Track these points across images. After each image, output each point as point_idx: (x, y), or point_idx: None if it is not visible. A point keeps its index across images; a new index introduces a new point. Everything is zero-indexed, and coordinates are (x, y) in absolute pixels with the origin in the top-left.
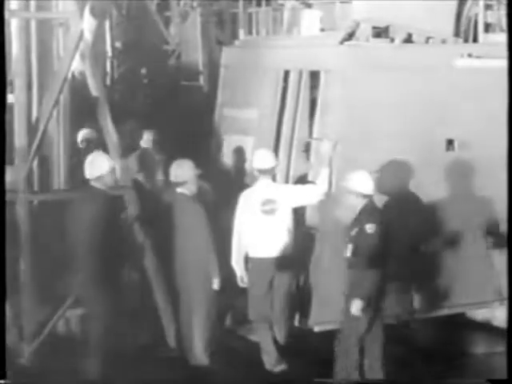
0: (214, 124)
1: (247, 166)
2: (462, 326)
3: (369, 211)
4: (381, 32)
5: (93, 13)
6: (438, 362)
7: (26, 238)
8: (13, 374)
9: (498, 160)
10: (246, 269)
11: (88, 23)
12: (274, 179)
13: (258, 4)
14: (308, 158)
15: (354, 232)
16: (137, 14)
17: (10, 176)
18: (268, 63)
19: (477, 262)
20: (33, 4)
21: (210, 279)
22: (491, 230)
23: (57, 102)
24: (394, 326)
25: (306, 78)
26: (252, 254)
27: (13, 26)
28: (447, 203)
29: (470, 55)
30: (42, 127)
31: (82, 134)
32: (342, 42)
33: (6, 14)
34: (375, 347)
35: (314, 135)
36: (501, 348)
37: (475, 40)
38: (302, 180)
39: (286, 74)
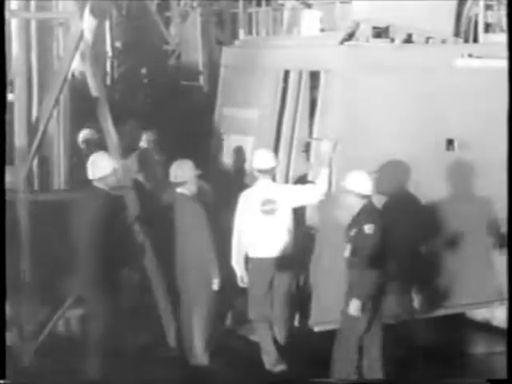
0: (213, 124)
1: (247, 166)
2: (461, 325)
3: (368, 212)
4: (381, 32)
5: (93, 13)
6: (438, 362)
7: (26, 238)
8: (13, 374)
9: (498, 160)
10: (246, 269)
11: (88, 23)
12: (273, 179)
13: (258, 4)
14: (308, 158)
15: (352, 232)
16: (137, 14)
17: (9, 176)
18: (268, 63)
19: (477, 262)
20: (33, 4)
21: (210, 279)
22: (491, 231)
23: (57, 102)
24: (394, 326)
25: (305, 78)
26: (252, 254)
27: (13, 26)
28: (447, 203)
29: (470, 55)
30: (42, 127)
31: (83, 135)
32: (342, 43)
33: (6, 14)
34: (374, 347)
35: (314, 135)
36: (501, 348)
37: (475, 40)
38: (302, 180)
39: (286, 74)
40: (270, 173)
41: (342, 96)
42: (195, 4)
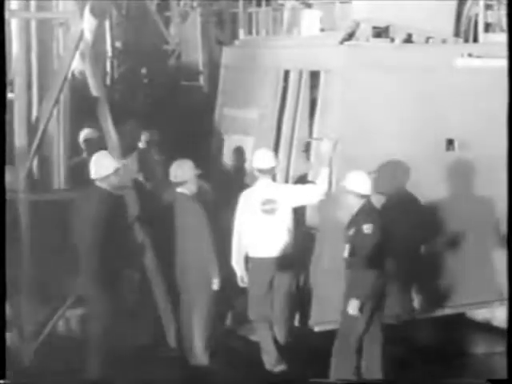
0: (213, 124)
1: (247, 165)
2: (462, 326)
3: (366, 211)
4: (381, 32)
5: (93, 13)
6: (437, 362)
7: (26, 238)
8: (13, 374)
9: (498, 160)
10: (246, 268)
11: (88, 23)
12: (274, 179)
13: (258, 4)
14: (308, 157)
15: (351, 232)
16: (137, 13)
17: (9, 176)
18: (268, 63)
19: (477, 262)
20: (33, 4)
21: (210, 279)
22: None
23: (57, 102)
24: (394, 326)
25: (306, 77)
26: (252, 254)
27: (13, 26)
28: (447, 203)
29: (470, 55)
30: (42, 127)
31: (84, 134)
32: (342, 42)
33: (6, 14)
34: (374, 348)
35: (314, 135)
36: (501, 348)
37: (475, 40)
38: (302, 180)
39: (286, 73)
40: (271, 172)
41: (342, 96)
42: (195, 4)
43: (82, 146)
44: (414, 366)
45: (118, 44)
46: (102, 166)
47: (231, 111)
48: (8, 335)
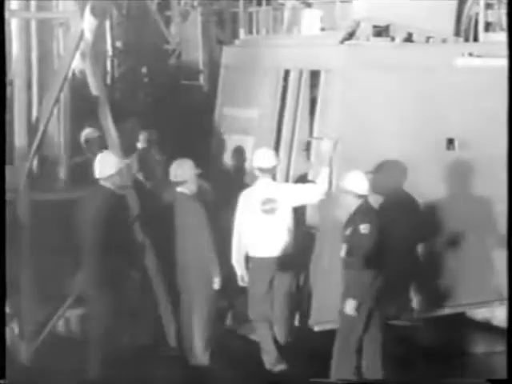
0: (214, 123)
1: (247, 165)
2: (462, 325)
3: (363, 211)
4: (381, 31)
5: (93, 12)
6: (438, 362)
7: (26, 238)
8: (13, 374)
9: (498, 159)
10: (247, 268)
11: (88, 23)
12: (274, 178)
13: (259, 3)
14: (308, 157)
15: (348, 232)
16: (137, 13)
17: (9, 176)
18: (268, 62)
19: (477, 262)
20: (33, 4)
21: (210, 279)
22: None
23: (57, 101)
24: (394, 326)
25: (306, 77)
26: (252, 254)
27: (13, 26)
28: (447, 202)
29: (470, 54)
30: (42, 127)
31: (85, 134)
32: (342, 42)
33: (6, 14)
34: (373, 348)
35: (315, 134)
36: (501, 348)
37: (476, 39)
38: (303, 179)
39: (287, 73)
40: (271, 171)
41: (343, 95)
42: (196, 3)
43: (84, 145)
44: (414, 366)
45: (118, 43)
46: (107, 166)
47: (231, 110)
48: (8, 335)
